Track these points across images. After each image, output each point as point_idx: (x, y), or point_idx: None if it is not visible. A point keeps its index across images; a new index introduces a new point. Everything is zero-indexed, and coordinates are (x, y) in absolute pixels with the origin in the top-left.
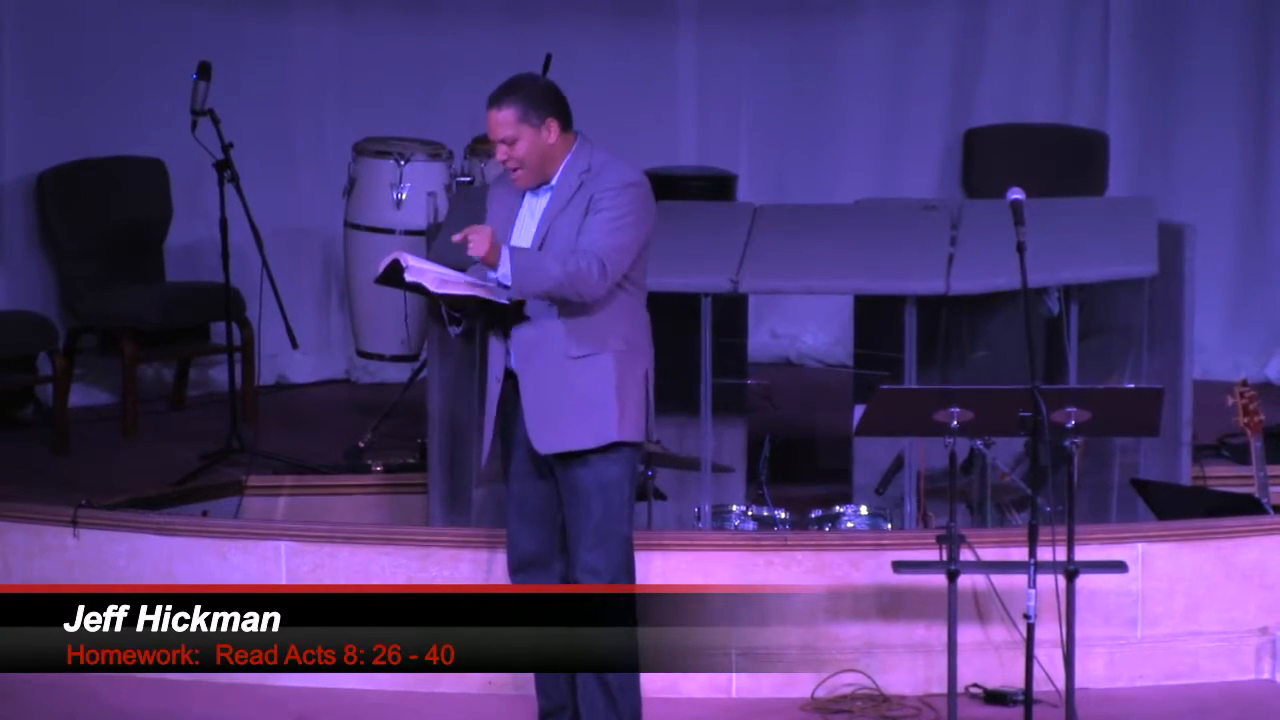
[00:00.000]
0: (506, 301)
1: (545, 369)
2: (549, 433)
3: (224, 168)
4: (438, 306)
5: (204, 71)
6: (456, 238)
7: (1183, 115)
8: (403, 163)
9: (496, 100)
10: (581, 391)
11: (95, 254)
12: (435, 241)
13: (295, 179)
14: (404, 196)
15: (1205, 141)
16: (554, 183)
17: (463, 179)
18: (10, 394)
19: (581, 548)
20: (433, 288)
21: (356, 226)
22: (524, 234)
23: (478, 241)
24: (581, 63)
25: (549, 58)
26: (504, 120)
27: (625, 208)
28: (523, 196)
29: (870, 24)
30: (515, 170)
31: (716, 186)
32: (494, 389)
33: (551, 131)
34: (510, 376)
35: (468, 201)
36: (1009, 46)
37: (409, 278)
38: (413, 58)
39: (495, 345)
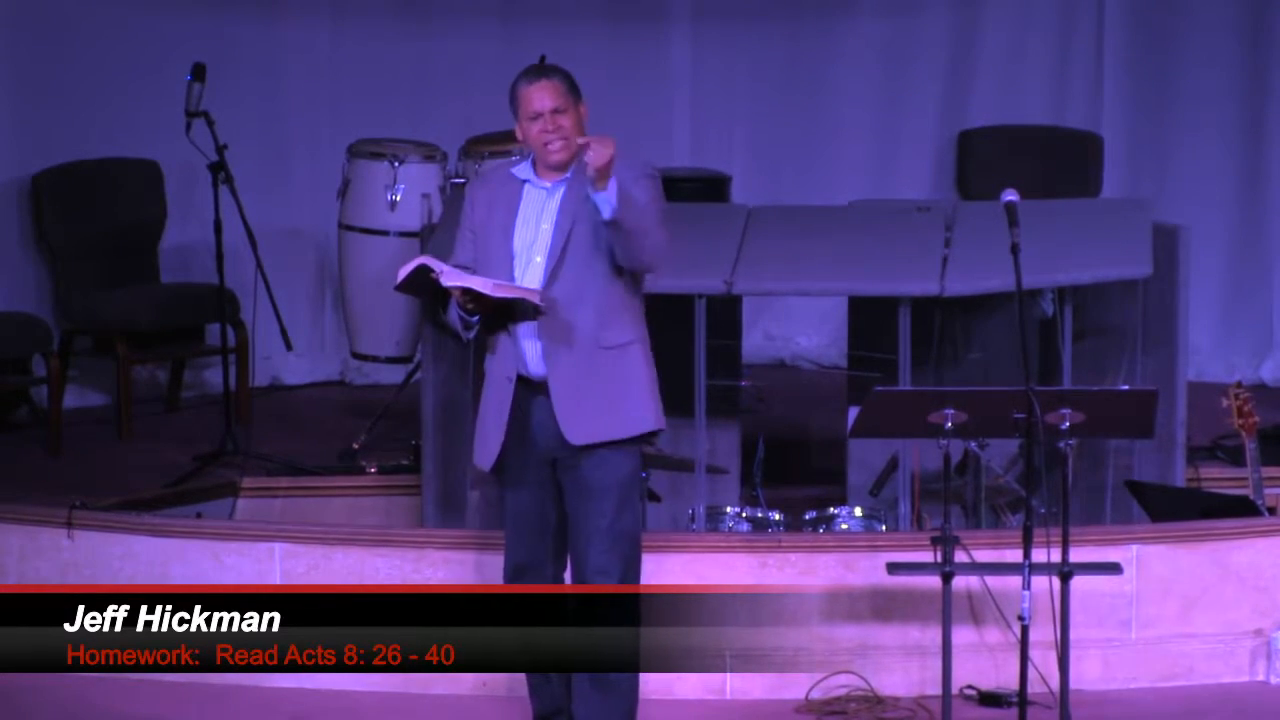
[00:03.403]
0: (540, 302)
1: (577, 360)
2: (583, 423)
3: (218, 169)
4: (441, 310)
5: (198, 73)
6: (581, 141)
7: (1177, 116)
8: (397, 164)
9: (545, 71)
10: (616, 382)
11: (90, 256)
12: (429, 243)
13: (289, 181)
14: (398, 198)
15: (1199, 143)
16: (566, 176)
17: (457, 180)
18: (5, 396)
19: (593, 549)
20: (490, 292)
21: (351, 228)
22: (530, 229)
23: (599, 151)
24: (575, 64)
25: (543, 59)
26: (557, 88)
27: (657, 194)
28: (520, 192)
29: (864, 25)
30: (555, 143)
31: (710, 188)
32: (505, 389)
33: (585, 114)
34: (522, 379)
35: (462, 203)
36: (1003, 48)
37: (446, 283)
38: (406, 59)
39: (506, 346)
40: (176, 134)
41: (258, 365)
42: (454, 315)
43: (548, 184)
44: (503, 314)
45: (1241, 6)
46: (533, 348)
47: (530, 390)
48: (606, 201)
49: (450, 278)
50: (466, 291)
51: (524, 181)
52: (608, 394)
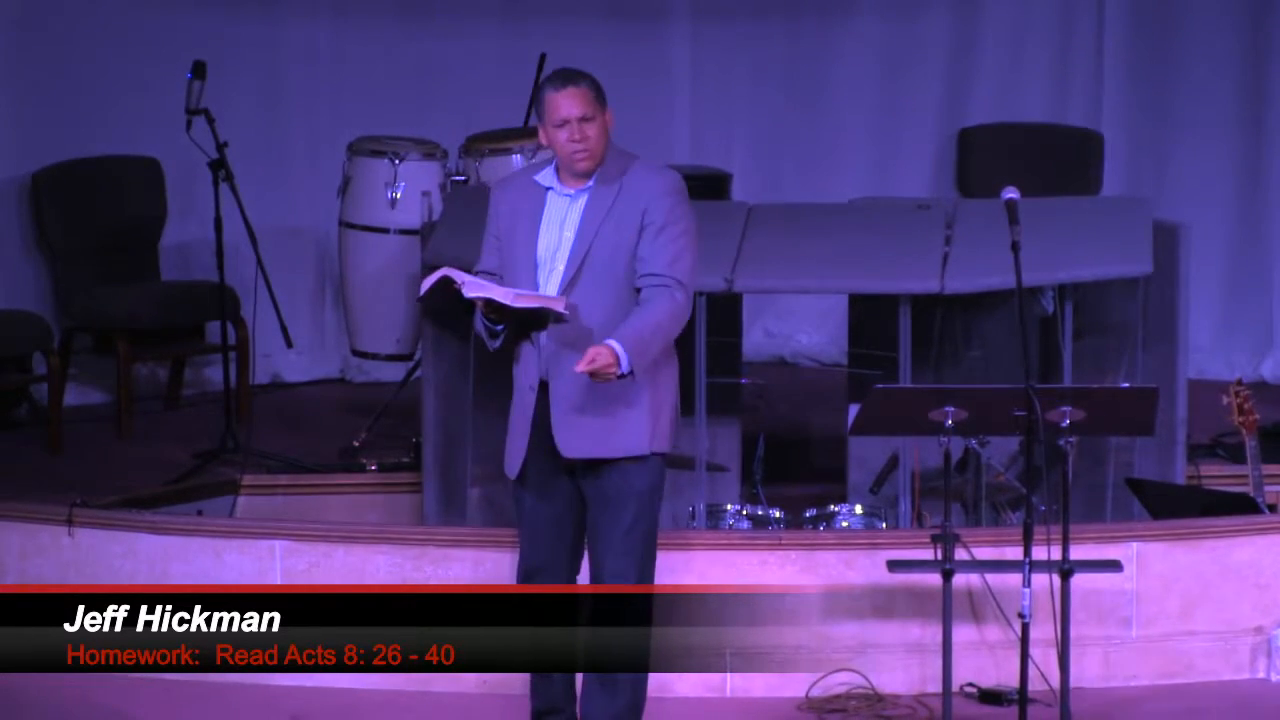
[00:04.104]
0: (564, 311)
1: (578, 374)
2: (577, 438)
3: (218, 167)
4: (462, 317)
5: (199, 71)
6: (580, 368)
7: (1177, 114)
8: (397, 162)
9: (573, 78)
10: (618, 400)
11: (90, 253)
12: (430, 241)
13: (290, 178)
14: (398, 195)
15: (1200, 140)
16: (589, 184)
17: (457, 178)
18: (5, 393)
19: (609, 554)
20: (511, 302)
21: (351, 225)
22: (554, 237)
23: (605, 373)
24: (575, 62)
25: (543, 57)
26: (585, 95)
27: (683, 218)
28: (543, 199)
29: (865, 23)
30: (581, 153)
31: (711, 186)
32: (528, 397)
33: (610, 121)
34: (544, 386)
35: (463, 201)
36: (1003, 45)
37: (469, 294)
38: (407, 56)
39: (529, 353)
40: (177, 132)
41: (258, 363)
42: (479, 325)
43: (570, 191)
44: (530, 322)
45: (1241, 5)
46: (545, 353)
47: (549, 396)
48: (623, 370)
49: (472, 289)
50: (489, 302)
51: (547, 189)
52: (605, 411)
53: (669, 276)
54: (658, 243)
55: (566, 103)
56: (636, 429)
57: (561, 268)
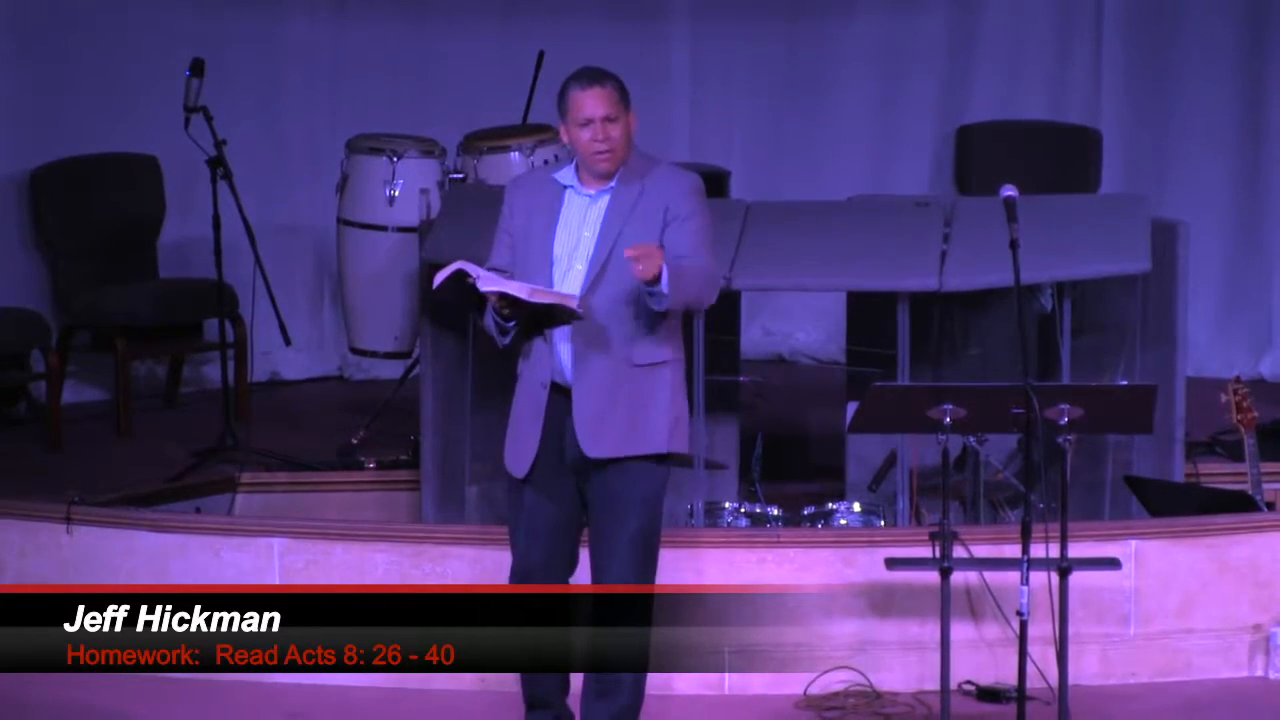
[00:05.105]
0: (578, 308)
1: (606, 373)
2: (601, 437)
3: (217, 164)
4: (470, 314)
5: (197, 68)
6: (629, 253)
7: (1176, 111)
8: (395, 159)
9: (599, 78)
10: (641, 399)
11: (88, 251)
12: (428, 238)
13: (288, 176)
14: (397, 193)
15: (1198, 138)
16: (611, 185)
17: (455, 175)
18: (4, 391)
19: (613, 560)
20: (526, 296)
21: (349, 223)
22: (572, 236)
23: (650, 265)
24: (574, 60)
25: (542, 54)
26: (610, 96)
27: (702, 215)
28: (561, 197)
29: (863, 21)
30: (604, 154)
31: (709, 183)
32: (539, 395)
33: (633, 123)
34: (556, 386)
35: (461, 198)
36: (1002, 43)
37: (483, 288)
38: (406, 54)
39: (541, 352)
40: (175, 129)
41: (256, 360)
42: (489, 320)
43: (591, 191)
44: (541, 319)
45: (1239, 2)
46: (568, 355)
47: (565, 397)
48: (659, 299)
49: (487, 282)
50: (503, 296)
51: (566, 187)
52: (629, 411)
53: (696, 256)
54: (683, 231)
55: (591, 102)
56: (657, 427)
57: (580, 267)
